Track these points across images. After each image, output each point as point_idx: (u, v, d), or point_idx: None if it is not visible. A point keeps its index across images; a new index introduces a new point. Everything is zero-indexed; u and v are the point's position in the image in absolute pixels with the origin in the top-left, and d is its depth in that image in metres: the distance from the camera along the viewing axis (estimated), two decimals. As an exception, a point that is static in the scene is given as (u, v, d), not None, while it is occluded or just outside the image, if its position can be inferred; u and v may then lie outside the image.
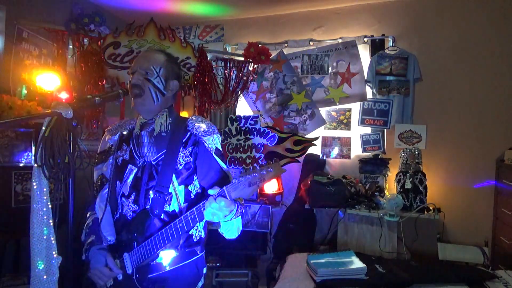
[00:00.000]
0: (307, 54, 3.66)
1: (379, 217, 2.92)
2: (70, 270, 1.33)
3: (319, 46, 3.66)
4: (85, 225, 1.59)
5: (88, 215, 1.62)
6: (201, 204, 1.34)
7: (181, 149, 1.49)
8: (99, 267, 1.44)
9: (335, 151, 3.64)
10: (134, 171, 1.50)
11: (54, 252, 1.26)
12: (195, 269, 1.53)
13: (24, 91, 2.75)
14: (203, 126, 1.51)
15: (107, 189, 1.54)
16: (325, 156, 3.67)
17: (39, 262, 1.23)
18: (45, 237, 1.24)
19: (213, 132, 1.51)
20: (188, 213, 1.37)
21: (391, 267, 2.32)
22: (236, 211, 1.34)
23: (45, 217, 1.24)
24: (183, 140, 1.50)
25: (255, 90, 3.78)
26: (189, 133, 1.51)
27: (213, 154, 1.49)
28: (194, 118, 1.55)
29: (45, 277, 1.25)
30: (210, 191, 1.34)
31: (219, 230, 1.48)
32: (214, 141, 1.51)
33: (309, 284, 2.17)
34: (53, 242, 1.26)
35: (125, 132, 1.60)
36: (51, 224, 1.25)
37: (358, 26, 3.60)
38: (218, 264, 3.19)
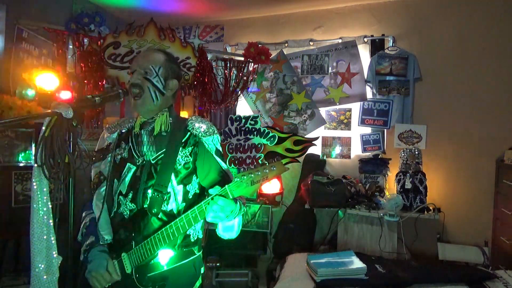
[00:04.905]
0: (307, 54, 3.66)
1: (379, 217, 2.92)
2: (70, 270, 1.33)
3: (319, 46, 3.66)
4: (82, 224, 1.57)
5: (84, 214, 1.60)
6: (202, 203, 1.34)
7: (180, 149, 1.49)
8: (101, 272, 1.42)
9: (336, 150, 3.64)
10: (133, 170, 1.50)
11: (54, 252, 1.26)
12: (193, 269, 1.53)
13: (32, 92, 2.74)
14: (203, 127, 1.51)
15: (105, 187, 1.53)
16: (325, 156, 3.67)
17: (39, 262, 1.22)
18: (45, 237, 1.24)
19: (213, 133, 1.52)
20: (189, 211, 1.37)
21: (391, 267, 2.33)
22: (238, 210, 1.34)
23: (45, 217, 1.23)
24: (183, 140, 1.50)
25: (255, 90, 3.78)
26: (189, 133, 1.52)
27: (213, 154, 1.50)
28: (194, 118, 1.55)
29: (45, 277, 1.24)
30: (211, 190, 1.33)
31: (217, 230, 1.47)
32: (214, 142, 1.51)
33: (309, 284, 2.17)
34: (53, 242, 1.25)
35: (124, 130, 1.60)
36: (51, 224, 1.25)
37: (358, 26, 3.59)
38: (218, 264, 3.19)
